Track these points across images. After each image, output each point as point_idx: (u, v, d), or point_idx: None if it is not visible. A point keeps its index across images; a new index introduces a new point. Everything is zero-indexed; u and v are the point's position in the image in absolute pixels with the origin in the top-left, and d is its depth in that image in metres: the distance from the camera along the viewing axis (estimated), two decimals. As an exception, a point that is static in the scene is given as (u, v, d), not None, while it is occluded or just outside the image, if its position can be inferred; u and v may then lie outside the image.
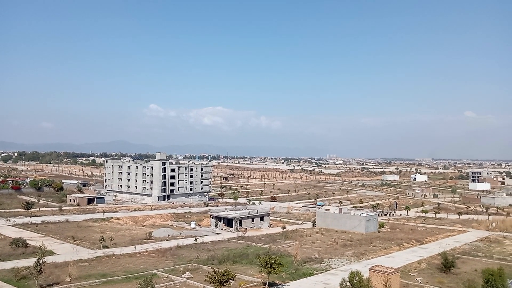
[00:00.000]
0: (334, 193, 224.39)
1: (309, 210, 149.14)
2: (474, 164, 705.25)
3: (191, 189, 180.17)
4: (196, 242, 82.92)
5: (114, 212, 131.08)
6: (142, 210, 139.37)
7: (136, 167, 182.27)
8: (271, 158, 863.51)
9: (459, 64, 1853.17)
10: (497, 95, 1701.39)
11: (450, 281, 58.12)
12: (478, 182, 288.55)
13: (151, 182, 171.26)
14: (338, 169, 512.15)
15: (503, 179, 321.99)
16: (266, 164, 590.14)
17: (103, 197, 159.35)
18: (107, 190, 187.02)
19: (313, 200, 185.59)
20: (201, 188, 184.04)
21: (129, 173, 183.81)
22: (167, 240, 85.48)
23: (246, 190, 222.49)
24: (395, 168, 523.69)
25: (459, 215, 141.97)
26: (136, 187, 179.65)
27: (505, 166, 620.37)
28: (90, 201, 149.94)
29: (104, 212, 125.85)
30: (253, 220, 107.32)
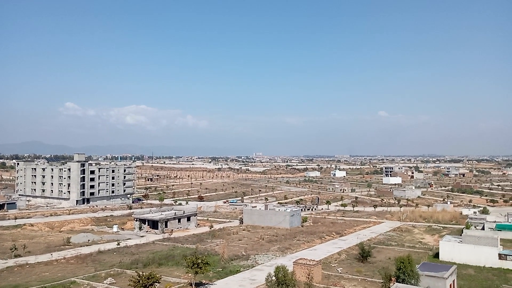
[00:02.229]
0: (260, 190, 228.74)
1: (236, 208, 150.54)
2: (387, 160, 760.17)
3: (113, 192, 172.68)
4: (119, 246, 79.79)
5: (28, 218, 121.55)
6: (59, 215, 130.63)
7: (52, 169, 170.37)
8: (198, 158, 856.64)
9: (373, 67, 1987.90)
10: (407, 96, 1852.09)
11: (367, 270, 62.24)
12: (390, 176, 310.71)
13: (69, 185, 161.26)
14: (264, 167, 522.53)
15: (412, 173, 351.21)
16: (193, 164, 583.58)
17: (14, 203, 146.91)
18: (19, 195, 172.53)
19: (240, 198, 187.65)
20: (124, 190, 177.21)
21: (43, 176, 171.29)
22: (87, 245, 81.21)
23: (173, 191, 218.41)
24: (317, 165, 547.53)
25: (375, 208, 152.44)
26: (52, 190, 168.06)
27: (414, 161, 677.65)
28: (0, 207, 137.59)
29: (16, 218, 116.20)
30: (179, 221, 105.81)
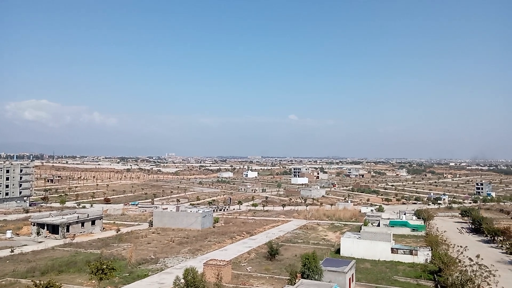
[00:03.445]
0: (172, 191, 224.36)
1: (145, 210, 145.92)
2: (296, 161, 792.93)
3: (7, 194, 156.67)
4: (13, 253, 72.76)
5: None
6: None
7: None
8: (106, 158, 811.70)
9: (287, 72, 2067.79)
10: (314, 101, 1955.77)
11: (274, 267, 64.51)
12: (298, 177, 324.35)
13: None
14: (177, 167, 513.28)
15: (318, 174, 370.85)
16: (99, 164, 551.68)
17: None
18: None
19: (150, 200, 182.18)
20: (20, 192, 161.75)
21: None
22: (-27, 255, 72.73)
23: (76, 193, 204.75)
24: (230, 166, 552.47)
25: (283, 207, 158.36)
26: None
27: (320, 162, 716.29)
28: None
29: None
30: (83, 225, 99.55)
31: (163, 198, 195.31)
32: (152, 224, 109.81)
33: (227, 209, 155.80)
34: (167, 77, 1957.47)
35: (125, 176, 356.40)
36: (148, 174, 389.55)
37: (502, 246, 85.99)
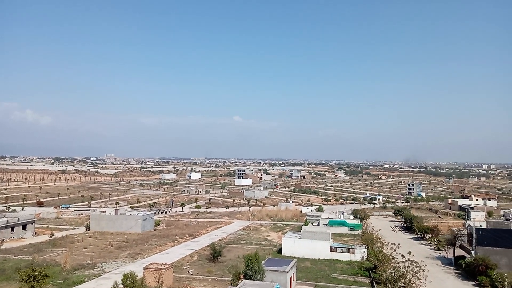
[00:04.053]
0: (110, 194, 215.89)
1: (82, 214, 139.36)
2: (240, 162, 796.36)
3: None
4: None
5: None
6: None
7: None
8: (39, 158, 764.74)
9: (231, 71, 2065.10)
10: (259, 103, 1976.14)
11: (217, 269, 64.36)
12: (242, 178, 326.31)
13: None
14: (116, 169, 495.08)
15: (261, 175, 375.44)
16: (32, 165, 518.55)
17: None
18: None
19: (87, 202, 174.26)
20: None
21: None
22: None
23: (5, 195, 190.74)
24: (173, 167, 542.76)
25: (227, 208, 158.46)
26: None
27: (263, 164, 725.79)
28: None
29: None
30: (12, 230, 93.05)
31: (101, 200, 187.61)
32: (89, 228, 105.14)
33: (169, 212, 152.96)
34: (106, 74, 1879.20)
35: (60, 177, 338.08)
36: (85, 176, 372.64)
37: (430, 243, 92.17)
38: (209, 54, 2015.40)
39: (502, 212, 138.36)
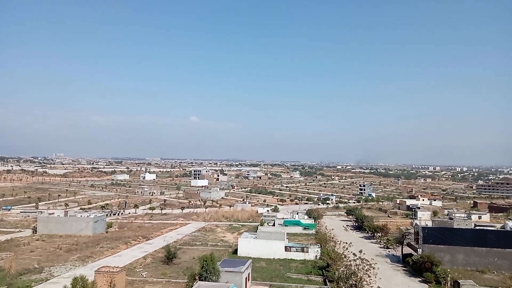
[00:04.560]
0: (59, 195, 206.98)
1: (28, 216, 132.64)
2: (196, 163, 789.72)
3: None
4: None
5: None
6: None
7: None
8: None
9: (187, 71, 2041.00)
10: (216, 103, 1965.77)
11: (172, 271, 63.49)
12: (198, 179, 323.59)
13: None
14: (66, 169, 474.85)
15: (218, 176, 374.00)
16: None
17: None
18: None
19: (34, 204, 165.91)
20: None
21: None
22: None
23: None
24: (126, 168, 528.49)
25: (182, 210, 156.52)
26: None
27: (220, 164, 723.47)
28: None
29: None
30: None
31: (50, 202, 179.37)
32: (36, 231, 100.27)
33: (122, 213, 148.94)
34: (55, 70, 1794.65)
35: (4, 178, 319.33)
36: (32, 176, 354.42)
37: (380, 242, 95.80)
38: (165, 52, 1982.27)
39: (446, 212, 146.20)
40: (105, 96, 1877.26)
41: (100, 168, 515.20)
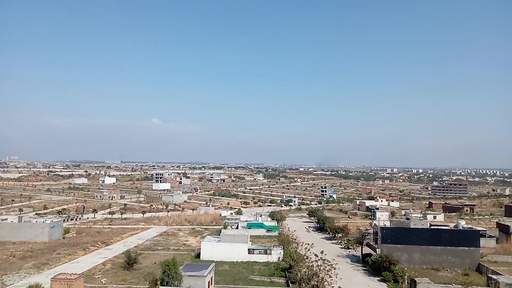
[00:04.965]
0: (13, 200, 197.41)
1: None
2: (158, 166, 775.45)
3: None
4: None
5: None
6: None
7: None
8: None
9: (151, 72, 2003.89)
10: (179, 106, 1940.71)
11: (132, 277, 62.10)
12: (160, 182, 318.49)
13: None
14: (20, 172, 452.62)
15: (181, 179, 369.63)
16: None
17: None
18: None
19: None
20: None
21: None
22: None
23: None
24: (85, 171, 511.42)
25: (143, 214, 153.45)
26: None
27: (183, 167, 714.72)
28: None
29: None
30: None
31: (2, 207, 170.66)
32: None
33: (80, 218, 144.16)
34: (9, 70, 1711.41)
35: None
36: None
37: (341, 242, 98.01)
38: (125, 52, 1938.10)
39: (403, 212, 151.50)
40: (63, 97, 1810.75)
41: (57, 171, 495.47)
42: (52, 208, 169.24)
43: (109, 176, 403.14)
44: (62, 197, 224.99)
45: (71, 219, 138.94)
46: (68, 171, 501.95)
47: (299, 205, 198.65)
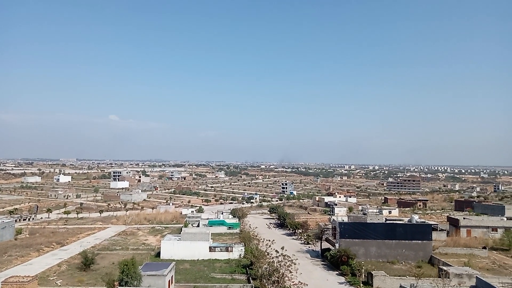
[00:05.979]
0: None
1: None
2: (116, 164, 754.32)
3: None
4: None
5: None
6: None
7: None
8: None
9: (106, 67, 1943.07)
10: (138, 102, 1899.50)
11: (89, 278, 60.39)
12: (118, 180, 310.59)
13: None
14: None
15: (140, 177, 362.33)
16: None
17: None
18: None
19: None
20: None
21: None
22: None
23: None
24: (38, 169, 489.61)
25: (100, 213, 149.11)
26: None
27: (142, 165, 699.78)
28: None
29: None
30: None
31: None
32: None
33: (33, 218, 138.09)
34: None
35: None
36: None
37: (301, 238, 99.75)
38: (83, 47, 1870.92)
39: (360, 207, 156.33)
40: (15, 93, 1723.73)
41: (8, 170, 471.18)
42: (3, 208, 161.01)
43: (64, 174, 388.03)
44: (14, 197, 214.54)
45: (24, 219, 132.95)
46: (20, 169, 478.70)
47: (260, 202, 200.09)
